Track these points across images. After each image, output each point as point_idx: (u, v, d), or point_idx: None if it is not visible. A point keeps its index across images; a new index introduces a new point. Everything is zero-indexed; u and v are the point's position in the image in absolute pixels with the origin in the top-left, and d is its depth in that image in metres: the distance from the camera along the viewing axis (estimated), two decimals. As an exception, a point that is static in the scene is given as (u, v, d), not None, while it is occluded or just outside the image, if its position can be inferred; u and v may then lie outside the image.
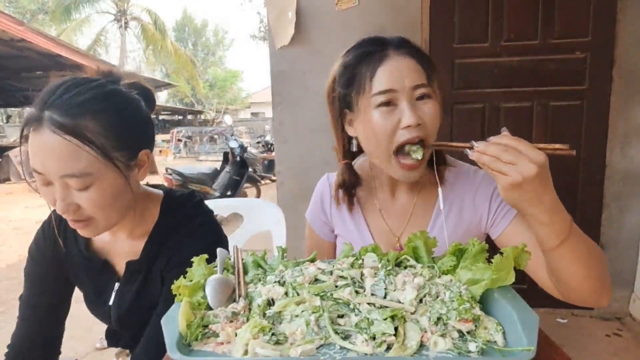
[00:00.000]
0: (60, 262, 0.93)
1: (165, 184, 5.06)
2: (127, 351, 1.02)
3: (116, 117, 0.76)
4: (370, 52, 0.84)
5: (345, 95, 0.87)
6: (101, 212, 0.77)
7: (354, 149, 0.94)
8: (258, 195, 5.92)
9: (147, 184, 0.98)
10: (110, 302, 0.91)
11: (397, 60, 0.81)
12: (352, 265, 0.67)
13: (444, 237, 0.84)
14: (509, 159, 0.62)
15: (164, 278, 0.87)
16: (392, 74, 0.80)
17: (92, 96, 0.74)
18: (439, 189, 0.84)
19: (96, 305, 0.94)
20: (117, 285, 0.91)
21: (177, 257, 0.85)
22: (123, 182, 0.78)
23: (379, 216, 0.99)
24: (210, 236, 0.89)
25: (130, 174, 0.80)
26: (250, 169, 5.64)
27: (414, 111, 0.79)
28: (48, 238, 0.93)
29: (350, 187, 0.98)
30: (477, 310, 0.55)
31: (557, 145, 0.63)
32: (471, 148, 0.67)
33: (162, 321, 0.56)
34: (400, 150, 0.82)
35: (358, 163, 1.03)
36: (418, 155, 0.81)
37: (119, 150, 0.76)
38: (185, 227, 0.88)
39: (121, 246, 0.91)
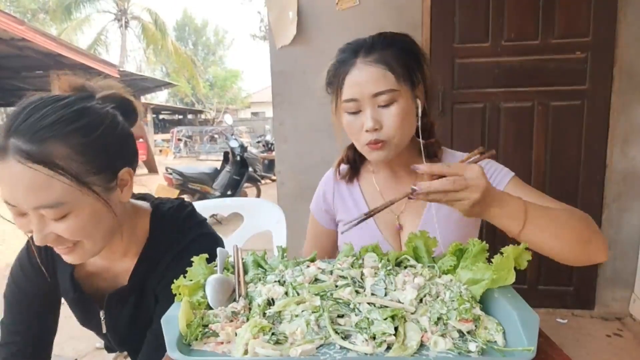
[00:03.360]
0: (48, 287, 0.87)
1: (166, 183, 5.07)
2: (125, 352, 1.01)
3: (88, 138, 0.68)
4: (343, 60, 0.92)
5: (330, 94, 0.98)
6: (84, 239, 0.72)
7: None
8: (258, 195, 5.92)
9: (132, 193, 0.91)
10: (104, 331, 0.88)
11: (362, 69, 0.88)
12: (352, 265, 0.67)
13: (439, 217, 0.95)
14: (459, 187, 0.66)
15: (157, 297, 0.83)
16: (355, 83, 0.89)
17: (60, 117, 0.66)
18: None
19: (91, 329, 0.91)
20: (102, 313, 0.86)
21: (171, 275, 0.78)
22: (103, 206, 0.71)
23: (379, 196, 1.04)
24: (205, 249, 0.80)
25: (111, 196, 0.73)
26: (250, 169, 5.64)
27: (373, 117, 0.87)
28: (35, 263, 0.86)
29: (352, 163, 1.08)
30: (477, 310, 0.55)
31: (479, 150, 0.72)
32: (412, 193, 0.69)
33: (162, 321, 0.55)
34: None
35: None
36: (379, 158, 0.92)
37: (95, 174, 0.69)
38: (178, 244, 0.83)
39: (116, 268, 0.86)
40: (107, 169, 0.72)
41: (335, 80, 0.92)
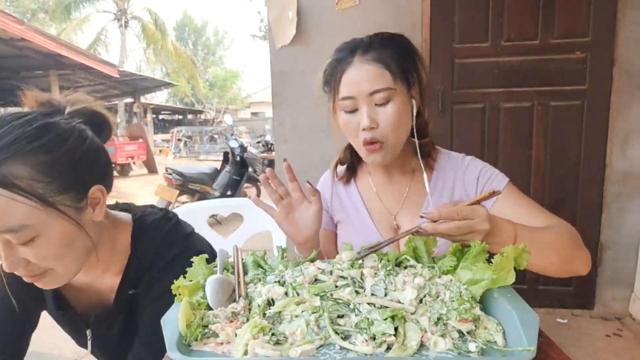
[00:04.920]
0: (26, 309, 0.84)
1: (166, 183, 5.07)
2: None
3: (52, 155, 0.64)
4: (340, 59, 0.92)
5: (327, 94, 0.97)
6: (55, 263, 0.68)
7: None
8: (258, 195, 5.91)
9: (117, 203, 0.89)
10: (89, 350, 0.85)
11: (359, 67, 0.88)
12: (352, 265, 0.67)
13: None
14: (464, 232, 0.68)
15: (141, 315, 0.79)
16: (352, 81, 0.88)
17: (19, 136, 0.62)
18: (424, 175, 0.93)
19: (79, 345, 0.89)
20: (88, 333, 0.83)
21: (152, 293, 0.77)
22: (74, 227, 0.67)
23: (375, 197, 1.05)
24: (188, 265, 0.73)
25: (82, 216, 0.69)
26: (250, 169, 5.62)
27: (370, 115, 0.87)
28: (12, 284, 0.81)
29: (349, 164, 1.08)
30: (477, 310, 0.55)
31: (487, 193, 0.71)
32: (417, 232, 0.70)
33: (162, 321, 0.55)
34: None
35: None
36: (376, 160, 0.92)
37: (62, 193, 0.65)
38: (161, 260, 0.79)
39: (98, 285, 0.83)
40: (75, 188, 0.68)
41: (332, 79, 0.92)
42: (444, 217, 0.68)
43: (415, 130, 0.93)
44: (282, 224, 0.91)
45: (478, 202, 0.71)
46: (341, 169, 1.11)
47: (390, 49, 0.89)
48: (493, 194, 0.71)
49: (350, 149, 1.06)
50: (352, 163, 1.08)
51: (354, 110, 0.90)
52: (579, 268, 0.82)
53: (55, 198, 0.65)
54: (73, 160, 0.67)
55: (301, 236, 0.90)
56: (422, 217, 0.70)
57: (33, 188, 0.62)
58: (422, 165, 0.94)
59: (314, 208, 0.89)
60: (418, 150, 0.96)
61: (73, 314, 0.84)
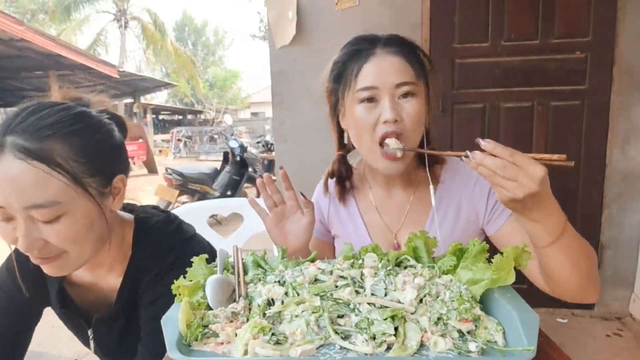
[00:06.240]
0: (31, 302, 0.84)
1: (166, 184, 5.06)
2: None
3: (87, 140, 0.69)
4: (358, 50, 0.87)
5: (335, 90, 0.91)
6: (73, 246, 0.69)
7: (345, 141, 0.98)
8: (258, 195, 5.89)
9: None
10: (92, 350, 0.86)
11: (383, 58, 0.84)
12: (352, 265, 0.67)
13: (442, 234, 0.87)
14: (508, 176, 0.60)
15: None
16: (375, 71, 0.84)
17: (61, 118, 0.67)
18: (430, 187, 0.84)
19: (82, 342, 0.90)
20: (90, 332, 0.85)
21: (150, 295, 0.78)
22: (97, 211, 0.70)
23: (375, 213, 0.99)
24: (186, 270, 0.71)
25: (105, 202, 0.73)
26: (250, 169, 5.63)
27: (394, 108, 0.82)
28: (15, 280, 0.81)
29: (341, 178, 1.02)
30: (477, 310, 0.55)
31: (555, 156, 0.62)
32: (466, 157, 0.64)
33: (162, 321, 0.55)
34: (384, 144, 0.85)
35: (357, 160, 1.04)
36: (397, 150, 0.83)
37: (91, 176, 0.69)
38: (161, 264, 0.79)
39: (102, 285, 0.84)
40: (103, 174, 0.72)
41: (348, 70, 0.87)
42: (497, 153, 0.61)
43: (425, 136, 0.89)
44: (272, 230, 0.89)
45: (542, 160, 0.62)
46: (332, 185, 1.04)
47: (410, 49, 0.87)
48: (564, 160, 0.62)
49: (341, 162, 1.00)
50: (345, 176, 1.02)
51: (372, 102, 0.84)
52: (593, 293, 0.75)
53: (86, 179, 0.68)
54: (103, 148, 0.73)
55: (290, 247, 0.87)
56: (476, 141, 0.63)
57: (68, 166, 0.66)
58: (428, 176, 0.87)
59: (306, 220, 0.87)
60: (426, 159, 0.89)
61: (76, 313, 0.85)
